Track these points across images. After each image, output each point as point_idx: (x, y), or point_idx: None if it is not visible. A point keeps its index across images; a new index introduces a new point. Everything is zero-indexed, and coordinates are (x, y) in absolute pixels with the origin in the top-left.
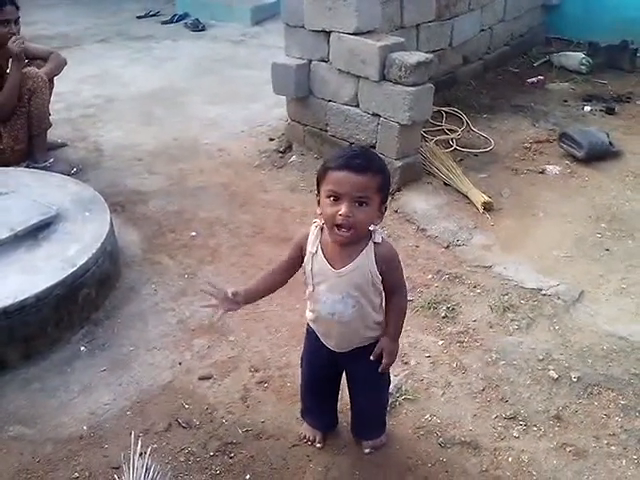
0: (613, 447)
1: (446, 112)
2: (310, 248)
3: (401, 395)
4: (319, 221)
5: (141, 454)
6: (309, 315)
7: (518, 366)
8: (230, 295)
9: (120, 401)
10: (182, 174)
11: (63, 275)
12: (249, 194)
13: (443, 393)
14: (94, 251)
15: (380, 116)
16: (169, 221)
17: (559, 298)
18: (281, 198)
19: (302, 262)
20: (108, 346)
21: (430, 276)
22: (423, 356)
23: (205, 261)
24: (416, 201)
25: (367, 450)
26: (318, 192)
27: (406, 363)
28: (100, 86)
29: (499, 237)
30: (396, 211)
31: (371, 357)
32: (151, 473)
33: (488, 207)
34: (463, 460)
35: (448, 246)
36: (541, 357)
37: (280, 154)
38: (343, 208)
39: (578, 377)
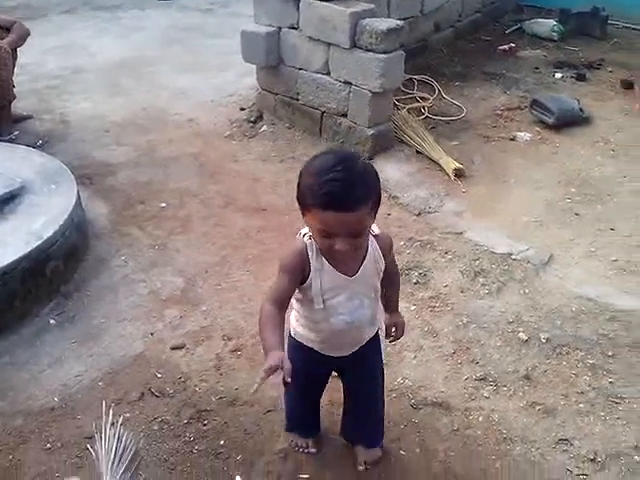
0: (581, 405)
1: (418, 80)
2: (314, 264)
3: None
4: (306, 231)
5: (113, 423)
6: (310, 336)
7: (488, 329)
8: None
9: (91, 372)
10: (151, 145)
11: (29, 248)
12: (220, 164)
13: (415, 356)
14: (61, 223)
15: (351, 84)
16: (138, 192)
17: (529, 262)
18: (252, 168)
19: (301, 283)
20: (78, 318)
21: (402, 243)
22: None
23: (175, 232)
24: (388, 169)
25: (361, 467)
26: (301, 211)
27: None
28: (66, 57)
29: (470, 203)
30: None
31: (388, 338)
32: (123, 441)
33: (459, 174)
34: (435, 420)
35: (420, 213)
36: (511, 320)
37: (251, 124)
38: (339, 245)
39: (547, 338)
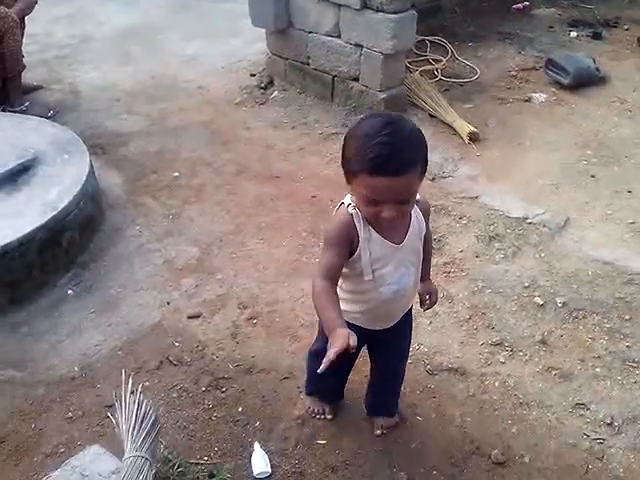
0: (598, 369)
1: (430, 41)
2: (363, 235)
3: None
4: (347, 201)
5: (133, 391)
6: (355, 309)
7: (504, 294)
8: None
9: (110, 341)
10: (162, 113)
11: (45, 219)
12: (231, 132)
13: (430, 322)
14: (75, 193)
15: (362, 46)
16: (151, 162)
17: (545, 226)
18: (264, 135)
19: (349, 256)
20: (95, 288)
21: None
22: None
23: (189, 201)
24: None
25: (379, 432)
26: (346, 178)
27: None
28: (74, 26)
29: (485, 167)
30: None
31: (424, 306)
32: (143, 409)
33: (474, 137)
34: (450, 386)
35: (434, 178)
36: (527, 284)
37: (261, 90)
38: (386, 213)
39: (563, 302)
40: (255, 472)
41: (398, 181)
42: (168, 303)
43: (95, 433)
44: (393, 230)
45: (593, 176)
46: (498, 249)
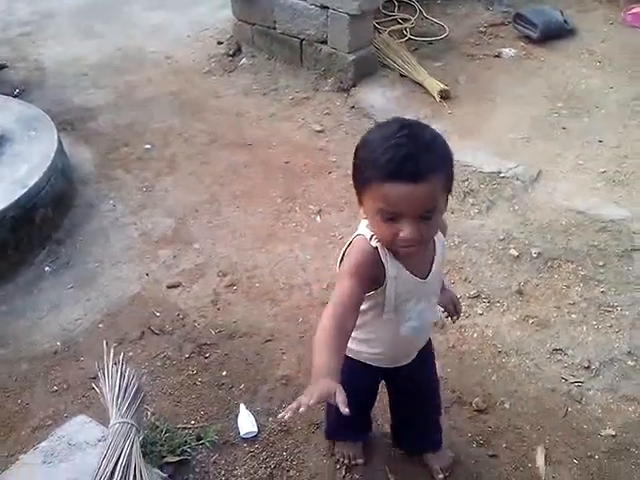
0: (574, 315)
1: (398, 1)
2: (391, 272)
3: None
4: (364, 232)
5: (115, 362)
6: (365, 350)
7: (480, 247)
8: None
9: (91, 315)
10: (130, 86)
11: (16, 196)
12: (201, 101)
13: None
14: (45, 170)
15: (328, 8)
16: (121, 135)
17: (518, 179)
18: (234, 103)
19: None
20: (72, 264)
21: None
22: None
23: (162, 173)
24: (372, 95)
25: (441, 477)
26: (357, 194)
27: None
28: (35, 2)
29: (457, 124)
30: (353, 107)
31: (453, 317)
32: (126, 377)
33: (445, 95)
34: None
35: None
36: (502, 237)
37: (230, 57)
38: (405, 231)
39: (538, 253)
40: (242, 432)
41: (417, 189)
42: (147, 274)
43: (81, 405)
44: (417, 260)
45: (564, 128)
46: (473, 204)
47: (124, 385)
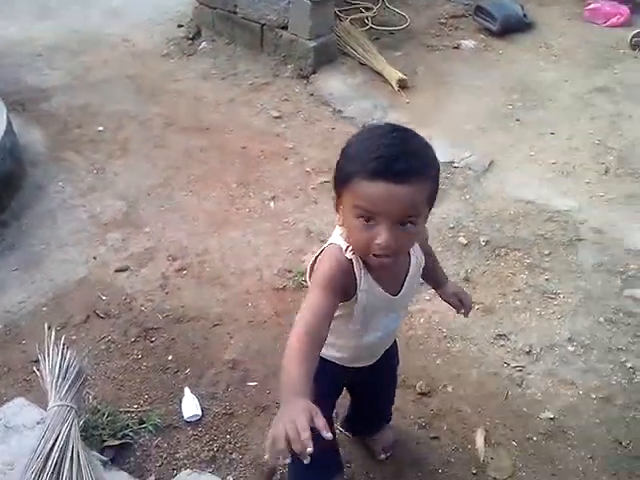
0: (518, 302)
1: None
2: (363, 286)
3: None
4: (338, 241)
5: (56, 345)
6: (329, 352)
7: (430, 235)
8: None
9: (35, 298)
10: (85, 67)
11: None
12: (158, 85)
13: None
14: None
15: None
16: (74, 117)
17: (470, 169)
18: (193, 87)
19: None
20: (18, 246)
21: None
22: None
23: (115, 155)
24: (332, 82)
25: (383, 456)
26: (337, 196)
27: (323, 241)
28: None
29: (414, 114)
30: (312, 94)
31: (460, 311)
32: (66, 359)
33: (403, 85)
34: None
35: (364, 126)
36: (452, 225)
37: (189, 41)
38: (382, 236)
39: (487, 241)
40: (186, 416)
41: (401, 190)
42: (94, 258)
43: (22, 388)
44: (390, 276)
45: (518, 120)
46: None
47: (64, 368)
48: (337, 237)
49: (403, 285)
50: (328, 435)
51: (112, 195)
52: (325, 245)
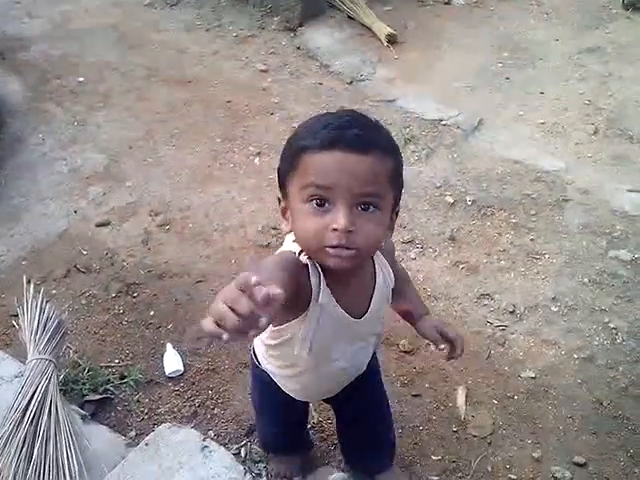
0: (503, 262)
1: None
2: (318, 298)
3: None
4: (294, 248)
5: (36, 298)
6: (284, 381)
7: (417, 194)
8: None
9: (14, 252)
10: (65, 16)
11: None
12: (141, 35)
13: None
14: None
15: None
16: (54, 67)
17: (458, 127)
18: (176, 38)
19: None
20: None
21: None
22: None
23: (96, 107)
24: (319, 36)
25: None
26: (283, 194)
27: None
28: None
29: (402, 70)
30: (298, 47)
31: (440, 346)
32: (46, 313)
33: (392, 40)
34: None
35: (351, 82)
36: (439, 184)
37: None
38: (339, 217)
39: (473, 200)
40: (167, 371)
41: (358, 159)
42: (75, 212)
43: (1, 342)
44: (352, 293)
45: (508, 78)
46: (413, 151)
47: (43, 321)
48: (289, 244)
49: (369, 307)
50: (277, 291)
51: (93, 148)
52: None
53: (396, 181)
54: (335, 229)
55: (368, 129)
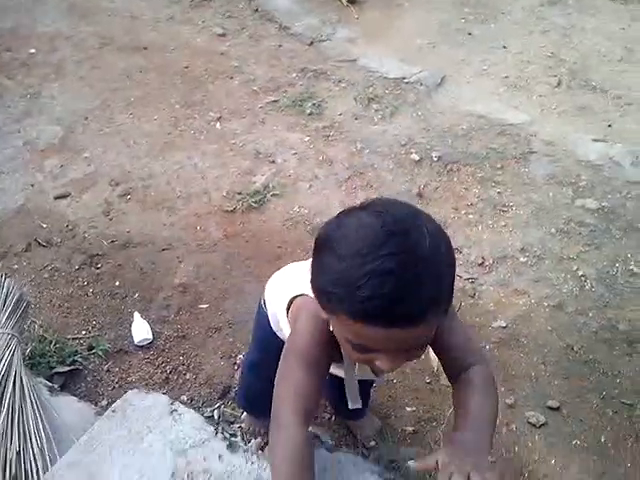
0: (471, 216)
1: None
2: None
3: (269, 192)
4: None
5: None
6: None
7: (382, 153)
8: None
9: None
10: None
11: None
12: (92, 3)
13: (310, 186)
14: None
15: None
16: (3, 40)
17: (422, 85)
18: (128, 4)
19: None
20: None
21: (295, 75)
22: (289, 153)
23: (49, 79)
24: None
25: (373, 443)
26: (323, 307)
27: (273, 162)
28: None
29: (364, 30)
30: (256, 10)
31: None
32: (5, 288)
33: (352, 0)
34: None
35: (312, 43)
36: (404, 142)
37: None
38: (384, 364)
39: (439, 157)
40: (136, 340)
41: (405, 334)
42: (32, 185)
43: None
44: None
45: (470, 33)
46: (376, 110)
47: (3, 296)
48: (305, 286)
49: None
50: None
51: (48, 120)
52: (293, 293)
53: (448, 302)
54: (380, 369)
55: (420, 287)
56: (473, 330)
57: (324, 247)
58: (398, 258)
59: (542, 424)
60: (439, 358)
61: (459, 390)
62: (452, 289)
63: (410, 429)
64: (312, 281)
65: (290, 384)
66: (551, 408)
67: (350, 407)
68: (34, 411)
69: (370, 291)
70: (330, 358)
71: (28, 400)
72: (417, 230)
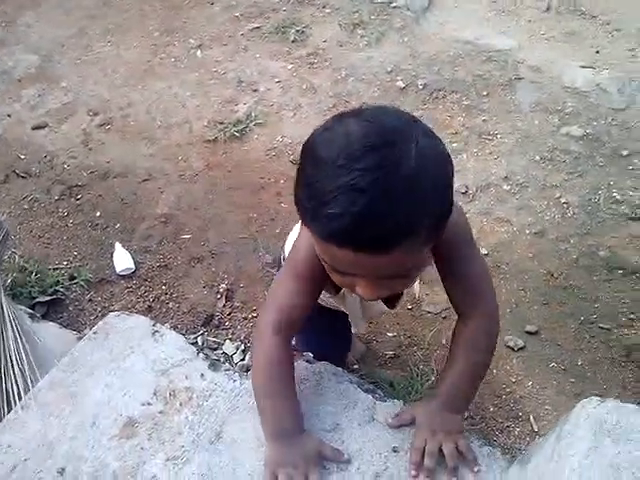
0: (455, 144)
1: None
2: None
3: (252, 121)
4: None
5: None
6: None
7: (367, 80)
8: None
9: None
10: None
11: None
12: None
13: (294, 115)
14: None
15: None
16: None
17: (408, 10)
18: None
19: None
20: None
21: (278, 0)
22: (273, 82)
23: (24, 6)
24: None
25: (356, 366)
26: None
27: (255, 90)
28: None
29: None
30: None
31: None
32: None
33: None
34: None
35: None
36: (389, 69)
37: None
38: (363, 289)
39: (424, 84)
40: (118, 269)
41: (378, 260)
42: (9, 116)
43: None
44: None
45: None
46: (362, 36)
47: None
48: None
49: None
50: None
51: (24, 49)
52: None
53: (437, 228)
54: (362, 295)
55: (396, 209)
56: (486, 267)
57: (306, 154)
58: (374, 175)
59: (520, 347)
60: (444, 287)
61: (453, 335)
62: (443, 217)
63: (391, 353)
64: (294, 191)
65: (278, 294)
66: (530, 332)
67: (353, 332)
68: (14, 334)
69: (337, 208)
70: (326, 276)
71: (8, 323)
72: (404, 144)
